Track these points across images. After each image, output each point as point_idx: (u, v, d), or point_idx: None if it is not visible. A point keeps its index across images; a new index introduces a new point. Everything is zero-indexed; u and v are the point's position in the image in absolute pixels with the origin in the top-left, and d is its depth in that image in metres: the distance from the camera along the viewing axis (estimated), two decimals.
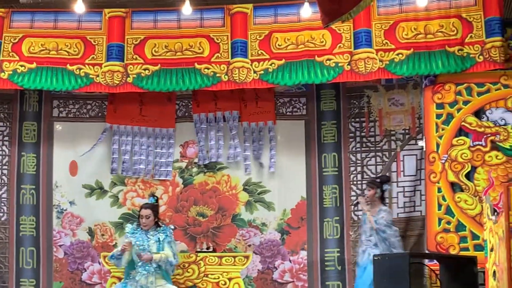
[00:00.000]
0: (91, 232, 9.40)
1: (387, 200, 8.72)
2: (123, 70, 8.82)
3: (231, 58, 8.81)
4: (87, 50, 8.87)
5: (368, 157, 9.27)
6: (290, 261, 9.32)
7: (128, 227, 8.36)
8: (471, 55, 8.31)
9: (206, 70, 8.82)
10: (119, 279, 8.35)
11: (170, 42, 8.89)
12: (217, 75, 8.80)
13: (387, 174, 8.93)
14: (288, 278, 9.29)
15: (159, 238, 8.19)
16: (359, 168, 9.23)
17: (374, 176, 9.17)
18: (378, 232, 8.18)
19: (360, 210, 8.53)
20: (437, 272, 6.59)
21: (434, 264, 6.86)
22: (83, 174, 9.41)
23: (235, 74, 8.75)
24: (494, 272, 6.42)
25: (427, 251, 8.20)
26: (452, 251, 8.13)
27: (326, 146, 9.30)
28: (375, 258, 6.40)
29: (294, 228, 9.36)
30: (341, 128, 9.32)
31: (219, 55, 8.83)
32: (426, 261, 6.91)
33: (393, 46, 8.52)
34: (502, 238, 6.15)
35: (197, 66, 8.83)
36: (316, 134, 9.38)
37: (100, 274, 9.31)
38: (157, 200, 8.41)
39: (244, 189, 9.46)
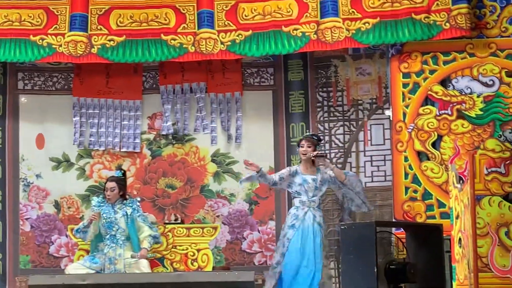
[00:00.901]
0: (57, 205, 9.35)
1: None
2: (87, 40, 8.72)
3: (198, 29, 8.74)
4: (50, 20, 8.75)
5: (336, 127, 9.29)
6: (258, 231, 9.34)
7: (94, 199, 8.31)
8: (437, 23, 8.30)
9: (172, 41, 8.75)
10: (87, 251, 8.31)
11: (136, 13, 8.80)
12: (184, 46, 8.73)
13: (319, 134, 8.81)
14: (256, 248, 9.32)
15: (126, 212, 8.15)
16: (327, 138, 9.25)
17: (342, 145, 9.20)
18: (342, 187, 7.75)
19: (321, 165, 8.05)
20: (404, 241, 6.62)
21: (400, 233, 6.89)
22: (50, 147, 9.34)
23: (202, 45, 8.69)
24: (460, 239, 6.47)
25: (394, 220, 8.25)
26: (419, 219, 8.18)
27: (294, 116, 9.30)
28: (342, 227, 6.41)
29: (262, 198, 9.38)
30: (309, 98, 9.32)
31: (186, 26, 8.75)
32: (393, 230, 6.94)
33: (359, 15, 8.50)
34: (467, 205, 6.20)
35: (163, 37, 8.75)
36: (284, 104, 9.37)
37: (67, 247, 9.28)
38: (124, 174, 8.36)
39: (212, 160, 9.45)
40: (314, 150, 7.77)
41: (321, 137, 8.47)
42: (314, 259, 7.54)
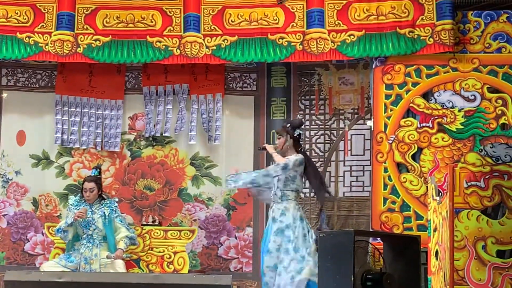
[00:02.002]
0: (35, 203, 9.30)
1: (305, 146, 8.61)
2: (73, 40, 8.70)
3: (184, 32, 8.75)
4: (37, 18, 8.73)
5: (317, 135, 9.33)
6: (235, 237, 9.34)
7: (72, 199, 8.28)
8: (421, 38, 8.38)
9: (158, 43, 8.75)
10: (63, 250, 8.28)
11: (122, 13, 8.79)
12: (169, 48, 8.73)
13: (300, 118, 8.80)
14: (233, 254, 9.32)
15: (104, 213, 8.13)
16: (307, 146, 9.27)
17: (322, 153, 9.23)
18: (285, 171, 7.49)
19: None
20: (381, 251, 6.65)
21: (378, 243, 6.92)
22: (30, 144, 9.30)
23: (187, 48, 8.70)
24: (437, 251, 6.51)
25: (371, 230, 8.29)
26: (396, 231, 8.22)
27: (275, 123, 9.33)
28: (320, 235, 6.42)
29: (241, 204, 9.38)
30: (291, 105, 9.35)
31: (172, 29, 8.76)
32: (371, 240, 6.97)
33: (345, 27, 8.55)
34: (446, 218, 6.24)
35: (149, 39, 8.75)
36: (265, 110, 9.39)
37: (43, 245, 9.23)
38: (100, 173, 8.33)
39: (191, 163, 9.45)
40: (286, 141, 7.60)
41: (303, 120, 8.20)
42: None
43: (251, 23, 8.70)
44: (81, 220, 8.05)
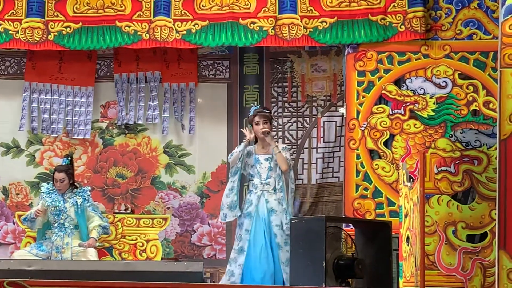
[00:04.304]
0: (5, 191, 9.23)
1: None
2: (44, 27, 8.61)
3: (153, 17, 8.67)
4: (7, 5, 8.63)
5: (290, 122, 9.32)
6: (209, 224, 9.33)
7: (44, 186, 8.22)
8: (393, 25, 8.37)
9: (127, 28, 8.67)
10: (34, 239, 8.23)
11: None
12: (138, 33, 8.66)
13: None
14: (206, 241, 9.31)
15: (76, 202, 8.07)
16: (280, 133, 9.26)
17: (294, 141, 9.22)
18: (288, 173, 7.41)
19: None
20: (353, 237, 6.66)
21: (350, 229, 6.93)
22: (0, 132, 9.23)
23: (157, 32, 8.62)
24: (408, 237, 6.53)
25: (343, 216, 8.30)
26: (368, 217, 8.24)
27: (248, 110, 9.26)
28: (292, 221, 6.41)
29: (214, 191, 9.36)
30: (264, 92, 9.33)
31: (141, 13, 8.69)
32: (343, 226, 6.97)
33: (317, 14, 8.52)
34: (417, 203, 6.26)
35: (118, 23, 8.67)
36: (238, 98, 9.37)
37: (14, 234, 9.17)
38: (71, 161, 8.27)
39: (165, 152, 9.41)
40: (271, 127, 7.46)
41: (269, 109, 8.15)
42: (267, 256, 7.29)
43: (222, 8, 8.65)
44: (52, 209, 8.00)
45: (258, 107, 7.89)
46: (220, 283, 7.36)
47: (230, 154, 7.67)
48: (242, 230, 7.44)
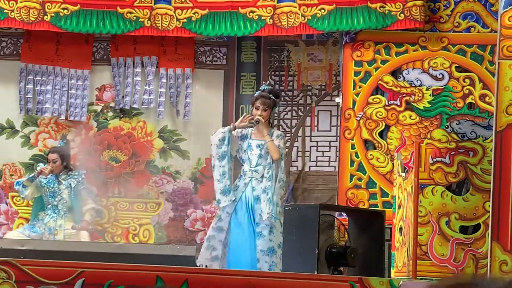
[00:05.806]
0: None
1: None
2: (40, 7, 8.58)
3: (155, 4, 8.66)
4: None
5: (285, 111, 9.32)
6: (202, 210, 9.32)
7: (40, 166, 8.21)
8: (392, 13, 8.36)
9: (128, 14, 8.65)
10: (27, 220, 8.22)
11: None
12: (140, 20, 8.64)
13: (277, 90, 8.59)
14: (199, 227, 9.30)
15: (70, 184, 8.07)
16: (275, 121, 9.26)
17: (289, 129, 9.23)
18: (279, 162, 7.31)
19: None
20: (346, 226, 6.67)
21: (343, 219, 6.94)
22: None
23: (158, 20, 8.61)
24: (401, 227, 6.55)
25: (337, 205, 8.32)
26: (362, 207, 8.26)
27: (244, 98, 9.29)
28: (286, 208, 6.42)
29: (208, 177, 9.34)
30: (261, 80, 9.31)
31: (143, 0, 8.67)
32: (336, 214, 6.99)
33: (315, 1, 8.51)
34: (411, 193, 6.28)
35: (119, 10, 8.65)
36: (235, 85, 9.36)
37: (7, 214, 9.14)
38: (66, 144, 8.26)
39: (160, 136, 9.40)
40: (270, 114, 7.37)
41: (278, 92, 8.03)
42: (250, 246, 7.24)
43: None
44: (47, 190, 7.99)
45: (267, 87, 7.78)
46: (200, 257, 7.31)
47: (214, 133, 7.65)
48: (224, 212, 7.44)
